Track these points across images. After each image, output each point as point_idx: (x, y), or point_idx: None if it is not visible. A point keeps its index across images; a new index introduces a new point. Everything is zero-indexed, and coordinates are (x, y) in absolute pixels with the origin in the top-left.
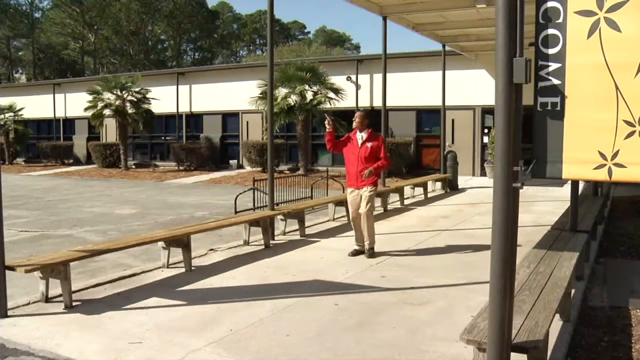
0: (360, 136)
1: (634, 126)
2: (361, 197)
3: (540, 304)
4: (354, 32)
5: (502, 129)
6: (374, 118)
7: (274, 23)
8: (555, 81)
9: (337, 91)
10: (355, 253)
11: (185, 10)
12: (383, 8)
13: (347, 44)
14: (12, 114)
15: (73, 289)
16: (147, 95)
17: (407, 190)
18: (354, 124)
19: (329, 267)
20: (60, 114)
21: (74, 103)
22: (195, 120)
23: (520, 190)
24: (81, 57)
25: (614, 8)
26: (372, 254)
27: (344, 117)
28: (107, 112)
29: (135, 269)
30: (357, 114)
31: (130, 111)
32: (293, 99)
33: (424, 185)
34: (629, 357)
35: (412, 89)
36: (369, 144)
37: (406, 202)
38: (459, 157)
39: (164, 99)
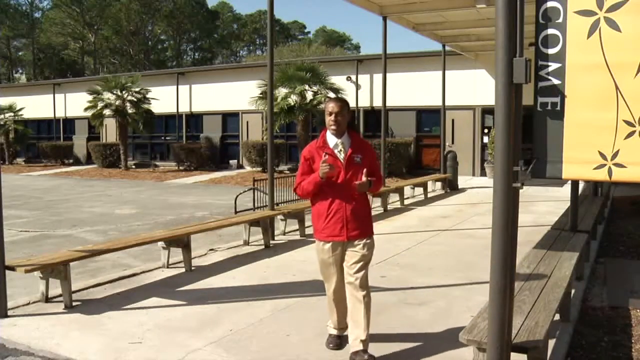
0: (340, 145)
1: (634, 126)
2: (345, 256)
3: (540, 304)
4: (354, 32)
5: (502, 129)
6: (373, 118)
7: (274, 23)
8: (555, 81)
9: (337, 91)
10: (337, 344)
11: (185, 10)
12: (383, 8)
13: (347, 44)
14: (12, 114)
15: (73, 289)
16: (147, 95)
17: (407, 190)
18: (329, 123)
19: None
20: (60, 114)
21: (74, 103)
22: (195, 120)
23: (520, 190)
24: (81, 57)
25: (614, 8)
26: (370, 357)
27: None
28: (107, 112)
29: (135, 269)
30: (332, 103)
31: (130, 111)
32: (293, 99)
33: (424, 185)
34: (629, 357)
35: (412, 89)
36: (358, 158)
37: (406, 202)
38: (459, 157)
39: (164, 99)
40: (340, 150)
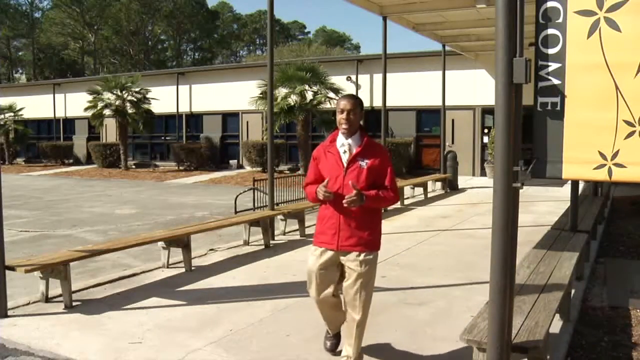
0: (346, 146)
1: (634, 126)
2: (343, 269)
3: (540, 304)
4: (354, 32)
5: (502, 129)
6: (373, 118)
7: (274, 23)
8: (555, 81)
9: (337, 91)
10: (334, 343)
11: (185, 10)
12: (383, 8)
13: (347, 44)
14: (12, 114)
15: (73, 289)
16: (147, 95)
17: (407, 190)
18: (339, 122)
19: None
20: (60, 114)
21: (74, 103)
22: (195, 120)
23: (520, 190)
24: (81, 57)
25: (614, 8)
26: None
27: None
28: (107, 112)
29: (135, 269)
30: (344, 100)
31: (130, 111)
32: (293, 99)
33: (424, 185)
34: (629, 357)
35: (412, 89)
36: (364, 163)
37: (406, 202)
38: (459, 157)
39: (164, 99)
40: (345, 150)
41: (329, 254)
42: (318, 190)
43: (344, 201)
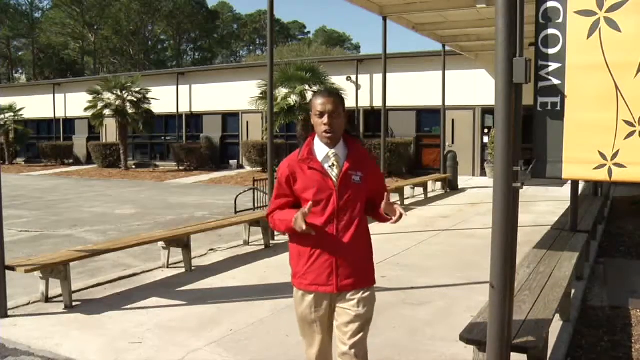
0: (332, 157)
1: (634, 126)
2: (335, 312)
3: (540, 304)
4: (354, 32)
5: (502, 129)
6: (373, 118)
7: (274, 23)
8: (555, 81)
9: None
10: None
11: (185, 10)
12: (383, 8)
13: (347, 44)
14: (12, 114)
15: (73, 289)
16: (147, 95)
17: (407, 190)
18: (321, 129)
19: None
20: (60, 114)
21: (74, 103)
22: (195, 120)
23: (520, 190)
24: (81, 57)
25: (614, 8)
26: None
27: None
28: (107, 112)
29: (135, 269)
30: (322, 98)
31: (130, 111)
32: (293, 99)
33: (424, 185)
34: (629, 357)
35: (412, 89)
36: (357, 176)
37: (406, 202)
38: (459, 157)
39: (164, 99)
40: (333, 164)
41: (324, 298)
42: (296, 218)
43: (392, 221)
